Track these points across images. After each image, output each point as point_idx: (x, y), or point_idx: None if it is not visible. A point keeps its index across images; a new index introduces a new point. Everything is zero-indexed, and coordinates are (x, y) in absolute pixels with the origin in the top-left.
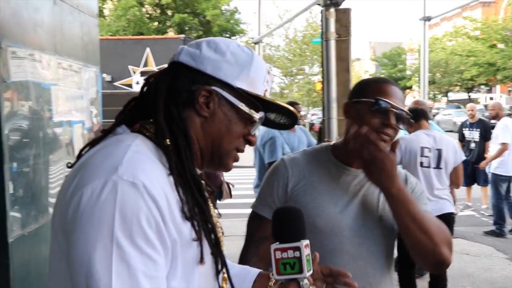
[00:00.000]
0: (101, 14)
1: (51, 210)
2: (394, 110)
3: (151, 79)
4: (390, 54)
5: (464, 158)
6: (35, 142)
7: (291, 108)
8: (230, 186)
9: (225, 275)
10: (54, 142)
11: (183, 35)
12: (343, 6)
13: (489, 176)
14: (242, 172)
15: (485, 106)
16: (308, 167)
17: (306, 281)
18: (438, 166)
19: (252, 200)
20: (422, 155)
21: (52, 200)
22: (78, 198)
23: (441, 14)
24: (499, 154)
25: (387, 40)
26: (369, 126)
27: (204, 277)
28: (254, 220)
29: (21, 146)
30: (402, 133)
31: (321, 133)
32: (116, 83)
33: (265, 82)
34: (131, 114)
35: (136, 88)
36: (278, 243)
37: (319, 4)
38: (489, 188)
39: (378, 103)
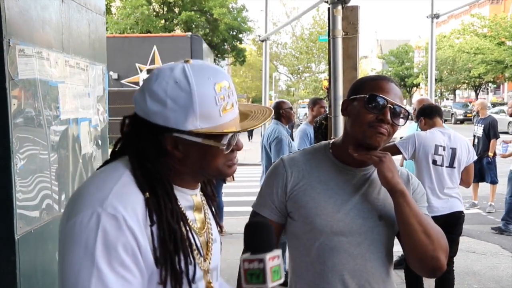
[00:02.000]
0: (108, 11)
1: (57, 207)
2: (390, 105)
3: (126, 122)
4: (397, 51)
5: (476, 157)
6: (42, 139)
7: (251, 126)
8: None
9: None
10: (61, 139)
11: (189, 33)
12: (350, 3)
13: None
14: (248, 170)
15: (492, 103)
16: (307, 166)
17: None
18: (451, 165)
19: None
20: (435, 153)
21: (58, 197)
22: (71, 224)
23: (449, 11)
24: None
25: (394, 38)
26: (364, 122)
27: None
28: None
29: (28, 144)
30: (414, 129)
31: (327, 130)
32: (123, 81)
33: (218, 100)
34: (121, 148)
35: None
36: (249, 253)
37: (326, 2)
38: (497, 186)
39: (373, 99)
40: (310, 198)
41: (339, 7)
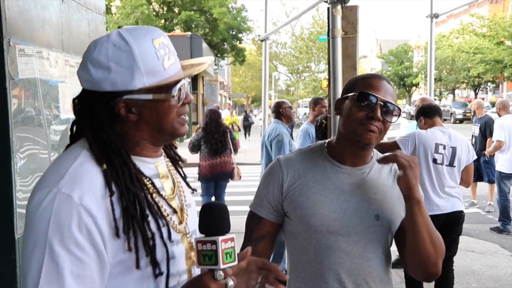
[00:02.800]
0: (108, 11)
1: None
2: (380, 102)
3: (76, 102)
4: (397, 51)
5: (475, 157)
6: (42, 139)
7: (204, 61)
8: (239, 169)
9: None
10: (61, 139)
11: (189, 33)
12: (350, 3)
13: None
14: (248, 169)
15: (491, 103)
16: (303, 166)
17: (220, 272)
18: (451, 164)
19: None
20: (436, 152)
21: None
22: (29, 202)
23: (448, 11)
24: (493, 151)
25: (393, 38)
26: (355, 120)
27: (141, 280)
28: (252, 220)
29: (29, 143)
30: (413, 128)
31: (327, 129)
32: None
33: (159, 55)
34: (77, 132)
35: None
36: (203, 235)
37: (325, 1)
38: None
39: (363, 96)
40: (305, 198)
41: (339, 7)
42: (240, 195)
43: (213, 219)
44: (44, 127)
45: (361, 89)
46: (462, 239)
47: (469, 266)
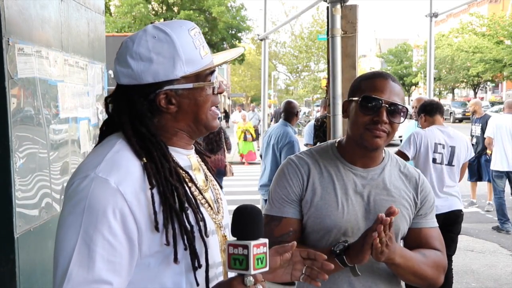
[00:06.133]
0: (107, 10)
1: (56, 206)
2: (385, 105)
3: (109, 101)
4: (396, 50)
5: (473, 155)
6: (41, 138)
7: (235, 52)
8: (231, 166)
9: (226, 270)
10: (60, 138)
11: None
12: (349, 2)
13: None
14: (247, 169)
15: (491, 102)
16: (316, 166)
17: (250, 278)
18: (450, 163)
19: (257, 197)
20: (435, 151)
21: (58, 196)
22: (68, 187)
23: (448, 10)
24: (488, 147)
25: (393, 37)
26: (361, 124)
27: (180, 273)
28: (270, 222)
29: (28, 142)
30: (412, 127)
31: (326, 129)
32: None
33: (196, 45)
34: (108, 130)
35: None
36: (235, 239)
37: (325, 1)
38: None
39: (367, 101)
40: (319, 198)
41: (338, 6)
42: (238, 194)
43: (246, 222)
44: (43, 126)
45: (365, 91)
46: (462, 238)
47: (469, 265)
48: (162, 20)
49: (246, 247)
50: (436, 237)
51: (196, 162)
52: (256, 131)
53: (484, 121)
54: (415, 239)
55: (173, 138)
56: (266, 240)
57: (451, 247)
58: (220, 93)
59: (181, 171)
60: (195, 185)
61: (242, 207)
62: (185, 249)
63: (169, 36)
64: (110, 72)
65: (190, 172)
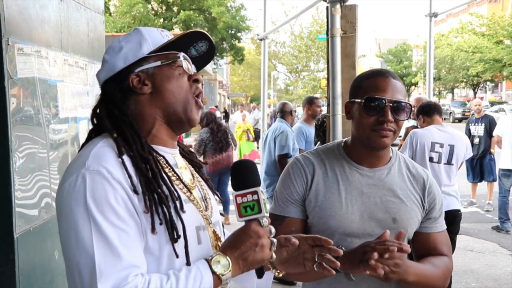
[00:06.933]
0: (106, 10)
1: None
2: (389, 104)
3: (94, 109)
4: (396, 50)
5: (472, 155)
6: (41, 138)
7: (195, 30)
8: None
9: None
10: (60, 138)
11: None
12: (349, 2)
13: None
14: None
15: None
16: (322, 166)
17: (265, 219)
18: (449, 162)
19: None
20: (432, 150)
21: None
22: (61, 192)
23: (448, 10)
24: (495, 145)
25: (393, 37)
26: (367, 126)
27: (157, 244)
28: (273, 223)
29: (27, 142)
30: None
31: (326, 128)
32: None
33: (162, 35)
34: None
35: None
36: (240, 191)
37: (324, 1)
38: (495, 184)
39: (370, 102)
40: (324, 199)
41: (338, 6)
42: None
43: (248, 172)
44: (43, 126)
45: (367, 92)
46: (461, 238)
47: (468, 265)
48: (161, 20)
49: (255, 192)
50: (444, 242)
51: (183, 162)
52: (254, 131)
53: (486, 121)
54: (424, 244)
55: (152, 130)
56: (263, 188)
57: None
58: (196, 79)
59: (157, 155)
60: (181, 181)
61: (239, 161)
62: (161, 220)
63: (137, 29)
64: None
65: (176, 170)
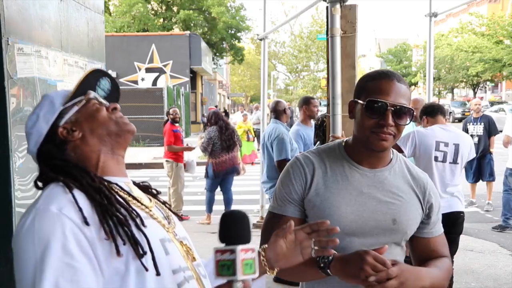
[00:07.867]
0: (106, 10)
1: None
2: (391, 108)
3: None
4: (396, 50)
5: (474, 155)
6: None
7: (94, 69)
8: (243, 164)
9: (197, 275)
10: None
11: (188, 32)
12: (349, 2)
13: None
14: (248, 169)
15: (490, 102)
16: (322, 166)
17: (239, 284)
18: (455, 161)
19: (256, 197)
20: (437, 150)
21: None
22: (18, 232)
23: (447, 10)
24: (505, 144)
25: (392, 37)
26: (367, 127)
27: (123, 263)
28: (271, 220)
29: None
30: (410, 127)
31: (325, 129)
32: (121, 80)
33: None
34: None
35: (141, 85)
36: (224, 245)
37: (324, 0)
38: (494, 184)
39: (372, 104)
40: (324, 198)
41: (338, 6)
42: (237, 194)
43: (232, 227)
44: None
45: (370, 94)
46: (461, 238)
47: (468, 265)
48: (161, 20)
49: (233, 251)
50: (443, 243)
51: (137, 190)
52: (255, 132)
53: (486, 121)
54: (425, 249)
55: (99, 164)
56: (254, 246)
57: (452, 248)
58: (114, 108)
59: (109, 184)
60: (138, 200)
61: (228, 212)
62: (124, 241)
63: (44, 95)
64: (110, 72)
65: (131, 193)
